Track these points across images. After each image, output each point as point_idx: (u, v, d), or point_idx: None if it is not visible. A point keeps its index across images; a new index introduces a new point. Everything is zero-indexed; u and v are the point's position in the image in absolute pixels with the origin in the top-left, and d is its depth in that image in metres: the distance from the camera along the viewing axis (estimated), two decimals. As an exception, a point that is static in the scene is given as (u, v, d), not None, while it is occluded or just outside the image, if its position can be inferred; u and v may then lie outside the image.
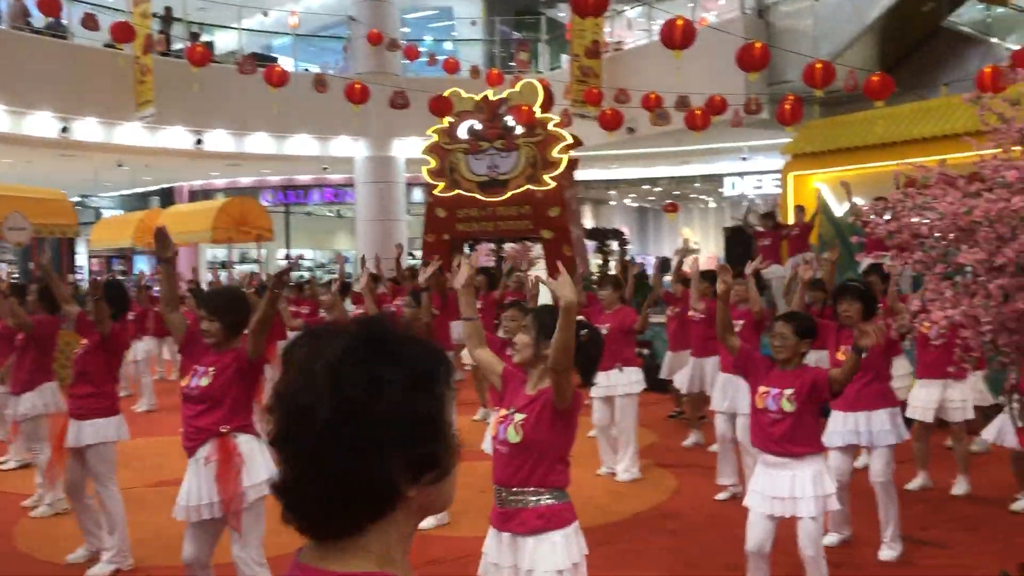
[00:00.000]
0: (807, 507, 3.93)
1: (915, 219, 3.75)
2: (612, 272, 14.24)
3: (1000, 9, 14.77)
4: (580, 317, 5.44)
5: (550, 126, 13.75)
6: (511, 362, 4.93)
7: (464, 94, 14.25)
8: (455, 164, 14.43)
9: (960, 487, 6.30)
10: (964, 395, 6.13)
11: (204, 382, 3.95)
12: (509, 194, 14.01)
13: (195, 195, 23.31)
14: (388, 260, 17.63)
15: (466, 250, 15.55)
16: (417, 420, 1.04)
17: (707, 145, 17.72)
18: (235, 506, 3.83)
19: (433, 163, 14.63)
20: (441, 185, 14.56)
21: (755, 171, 21.85)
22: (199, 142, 16.70)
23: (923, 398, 6.19)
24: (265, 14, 18.59)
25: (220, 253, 23.49)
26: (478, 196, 14.26)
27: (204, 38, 17.70)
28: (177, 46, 16.81)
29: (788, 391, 4.01)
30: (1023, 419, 3.91)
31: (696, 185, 24.21)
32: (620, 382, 6.85)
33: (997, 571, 4.10)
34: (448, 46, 21.95)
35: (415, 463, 1.04)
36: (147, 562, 5.17)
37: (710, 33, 12.39)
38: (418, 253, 21.59)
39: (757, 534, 4.08)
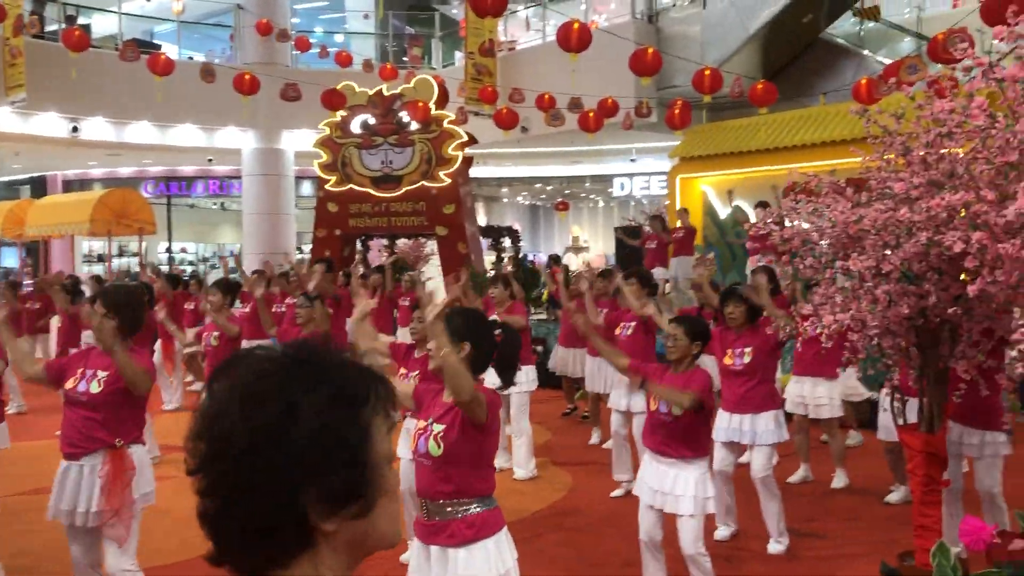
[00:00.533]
0: (686, 506, 4.08)
1: (807, 225, 3.92)
2: (506, 270, 14.35)
3: (872, 24, 15.60)
4: (493, 316, 5.47)
5: (445, 123, 13.72)
6: (414, 364, 4.89)
7: (357, 88, 14.06)
8: (348, 158, 14.24)
9: (839, 480, 6.62)
10: (832, 392, 6.44)
11: (94, 388, 3.79)
12: (403, 190, 13.92)
13: (70, 185, 22.18)
14: (276, 255, 17.27)
15: (358, 245, 15.37)
16: (334, 448, 0.98)
17: (598, 146, 18.03)
18: (122, 517, 3.76)
19: (325, 157, 14.39)
20: (333, 179, 14.34)
21: (643, 172, 22.38)
22: (75, 130, 15.90)
23: (795, 393, 6.54)
24: (148, -1, 17.86)
25: (97, 246, 22.45)
26: (371, 191, 14.12)
27: (81, 21, 16.86)
28: (51, 28, 15.95)
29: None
30: (903, 416, 4.14)
31: (586, 185, 24.61)
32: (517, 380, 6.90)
33: (878, 561, 4.33)
34: (339, 39, 21.59)
35: (331, 495, 0.98)
36: (35, 571, 4.91)
37: (602, 36, 12.60)
38: (307, 248, 21.22)
39: (645, 524, 4.24)
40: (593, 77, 13.12)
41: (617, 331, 6.55)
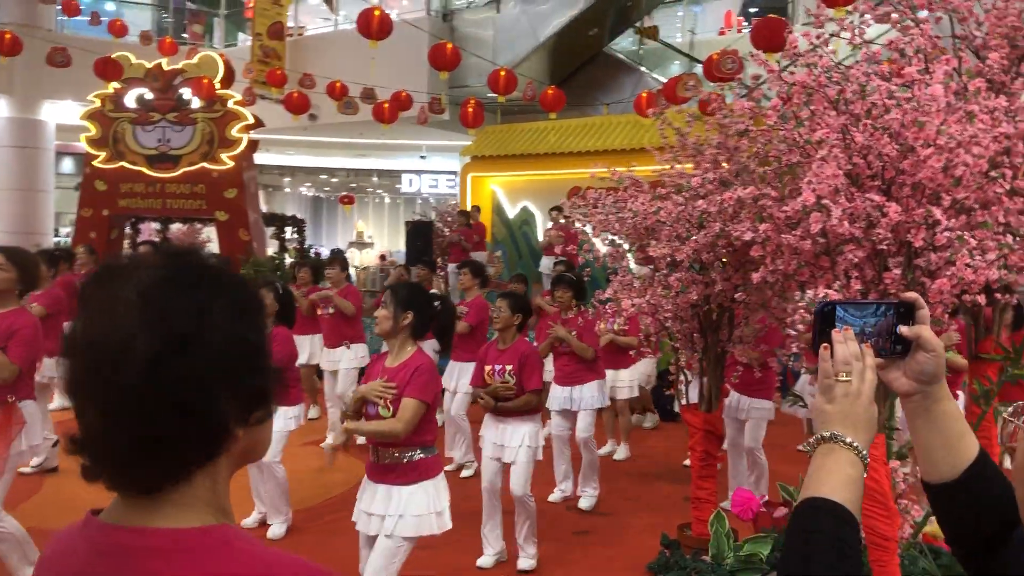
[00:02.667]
0: (521, 455, 4.64)
1: (610, 216, 4.15)
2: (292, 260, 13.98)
3: (650, 43, 16.65)
4: (433, 290, 5.85)
5: (230, 103, 13.14)
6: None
7: (134, 59, 13.16)
8: (120, 134, 13.28)
9: (620, 453, 7.25)
10: (632, 377, 7.04)
11: None
12: (181, 171, 13.17)
13: None
14: (31, 236, 15.79)
15: (127, 229, 14.37)
16: (247, 352, 0.96)
17: (388, 140, 17.99)
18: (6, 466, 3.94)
19: (94, 131, 13.34)
20: (103, 156, 13.32)
21: (433, 170, 22.55)
22: None
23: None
24: None
25: None
26: (145, 170, 13.25)
27: None
28: None
29: (508, 367, 4.59)
30: (687, 397, 4.47)
31: (374, 179, 24.45)
32: (346, 357, 7.33)
33: (659, 532, 4.65)
34: (111, 7, 20.10)
35: (246, 399, 0.96)
36: None
37: (397, 29, 12.60)
38: (66, 230, 19.57)
39: (487, 474, 4.75)
40: (387, 70, 13.07)
41: None
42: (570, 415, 5.98)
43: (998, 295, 3.41)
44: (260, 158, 15.61)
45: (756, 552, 3.98)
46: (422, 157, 21.12)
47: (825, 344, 1.11)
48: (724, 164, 3.92)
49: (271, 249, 14.68)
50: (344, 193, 24.30)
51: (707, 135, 4.24)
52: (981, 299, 3.14)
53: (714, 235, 3.69)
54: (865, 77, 3.13)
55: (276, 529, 5.24)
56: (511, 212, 13.82)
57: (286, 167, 23.09)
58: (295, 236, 15.73)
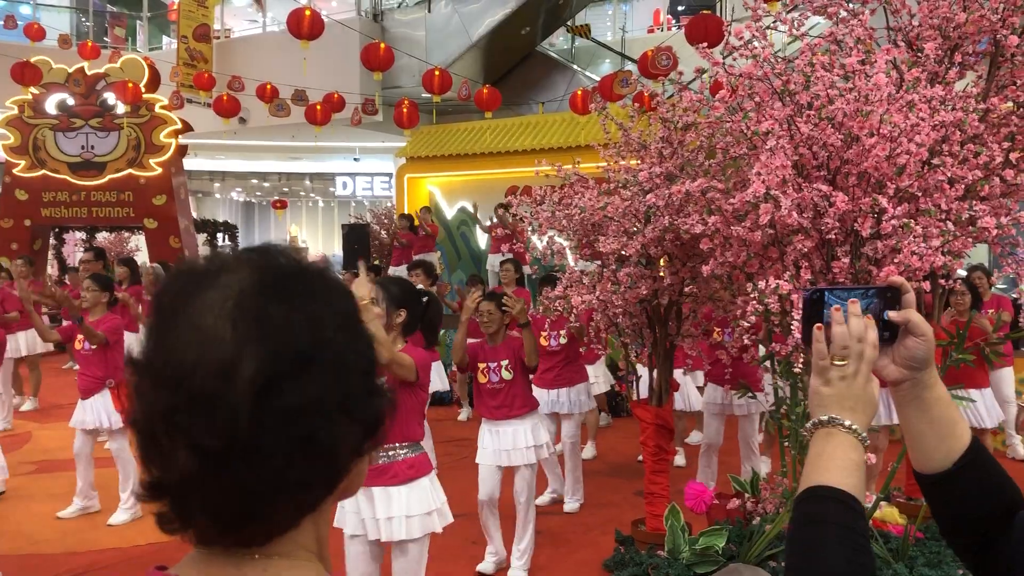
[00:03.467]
0: (529, 456, 4.52)
1: (556, 213, 4.12)
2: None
3: (582, 41, 16.74)
4: (419, 286, 5.63)
5: (157, 107, 12.82)
6: None
7: (54, 64, 12.73)
8: (42, 141, 12.87)
9: (588, 452, 7.12)
10: (597, 373, 7.02)
11: None
12: (107, 178, 12.83)
13: None
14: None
15: (51, 239, 13.89)
16: (364, 369, 0.80)
17: (321, 143, 17.72)
18: None
19: (13, 139, 12.88)
20: (23, 164, 12.88)
21: (367, 172, 22.30)
22: None
23: None
24: None
25: None
26: (69, 178, 12.85)
27: None
28: None
29: (504, 361, 4.44)
30: (636, 393, 4.47)
31: (307, 183, 24.09)
32: None
33: (613, 528, 4.64)
34: (26, 10, 19.40)
35: (364, 425, 0.80)
36: None
37: (328, 29, 12.42)
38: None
39: (487, 485, 4.58)
40: (318, 71, 12.87)
41: None
42: (555, 416, 5.87)
43: (942, 281, 3.47)
44: (189, 163, 15.26)
45: (712, 544, 3.98)
46: (356, 159, 20.87)
47: (819, 324, 1.07)
48: (667, 158, 3.91)
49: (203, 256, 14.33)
50: (276, 198, 23.90)
51: (650, 130, 4.24)
52: (926, 285, 3.19)
53: (662, 229, 3.68)
54: (809, 68, 3.15)
55: None
56: (449, 213, 13.72)
57: (216, 172, 22.61)
58: (227, 243, 15.42)
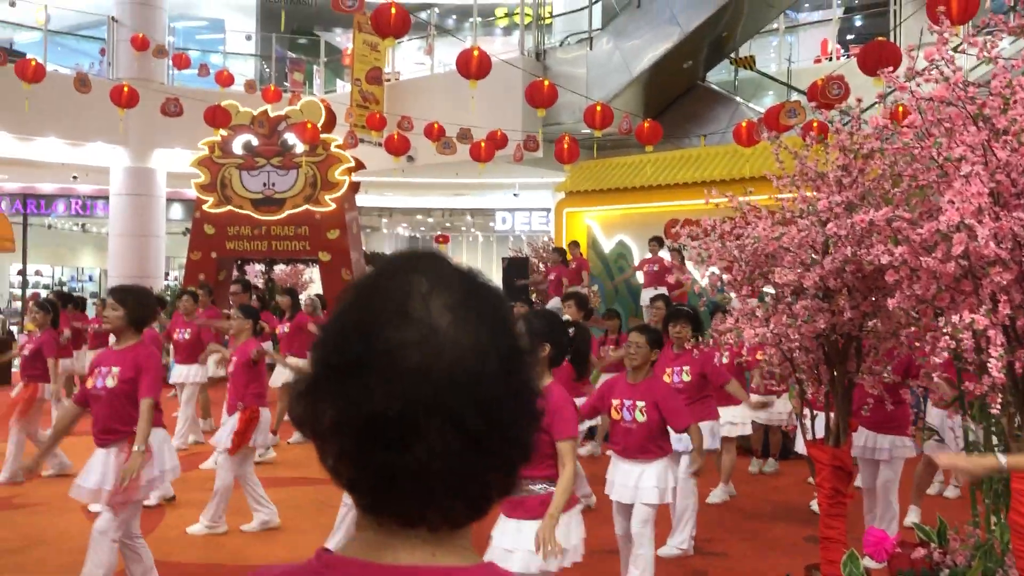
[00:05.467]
0: (646, 496, 4.41)
1: (728, 244, 4.03)
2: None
3: (745, 73, 16.45)
4: (566, 317, 5.76)
5: (332, 147, 13.53)
6: None
7: (241, 108, 13.69)
8: (228, 179, 13.81)
9: (717, 495, 6.84)
10: (743, 414, 6.75)
11: (111, 383, 4.16)
12: (286, 213, 13.60)
13: (-89, 198, 20.58)
14: (144, 280, 16.45)
15: (234, 271, 14.85)
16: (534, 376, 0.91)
17: (482, 179, 18.18)
18: (126, 494, 4.10)
19: (203, 177, 13.91)
20: (211, 200, 13.87)
21: (525, 208, 22.67)
22: (-76, 137, 14.77)
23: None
24: (12, 4, 16.88)
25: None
26: (252, 214, 13.72)
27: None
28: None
29: (640, 403, 4.38)
30: (812, 432, 4.28)
31: (468, 218, 24.72)
32: None
33: (781, 574, 4.45)
34: (216, 59, 21.01)
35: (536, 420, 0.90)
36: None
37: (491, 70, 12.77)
38: (175, 273, 20.36)
39: (620, 521, 4.57)
40: (481, 110, 13.22)
41: None
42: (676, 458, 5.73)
43: None
44: (359, 200, 15.98)
45: (895, 596, 3.75)
46: (515, 195, 21.26)
47: None
48: (847, 187, 3.76)
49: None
50: (439, 232, 24.63)
51: (826, 158, 4.10)
52: None
53: (843, 260, 3.53)
54: (1007, 89, 2.96)
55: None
56: (607, 246, 13.72)
57: (384, 208, 23.58)
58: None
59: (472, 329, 0.83)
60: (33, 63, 11.14)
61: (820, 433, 4.36)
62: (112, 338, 4.70)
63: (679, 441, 5.52)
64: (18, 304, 19.53)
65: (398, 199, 22.75)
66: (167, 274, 18.84)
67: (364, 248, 22.80)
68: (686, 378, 5.63)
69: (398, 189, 20.94)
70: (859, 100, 4.10)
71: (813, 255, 3.80)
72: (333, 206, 13.42)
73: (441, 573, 0.82)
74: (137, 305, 4.28)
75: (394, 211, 24.16)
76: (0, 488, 6.88)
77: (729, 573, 5.23)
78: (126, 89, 11.41)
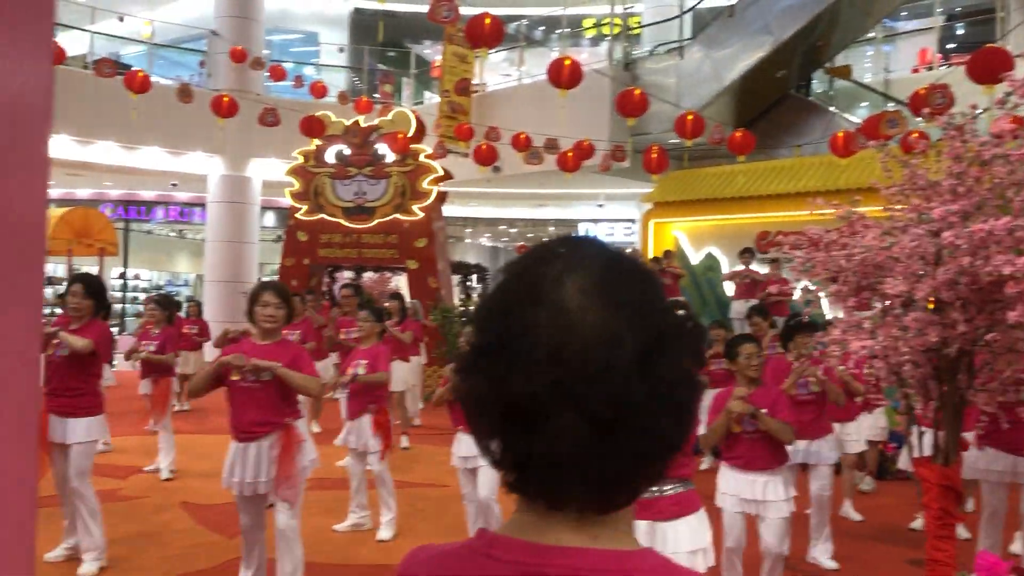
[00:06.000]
0: (777, 509, 4.36)
1: (833, 254, 3.93)
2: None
3: (841, 83, 16.07)
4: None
5: (421, 157, 13.70)
6: None
7: (334, 118, 14.00)
8: (320, 188, 14.12)
9: (848, 512, 6.73)
10: (858, 430, 6.63)
11: (267, 377, 4.29)
12: (376, 222, 13.83)
13: (23, 204, 21.58)
14: (241, 284, 16.96)
15: (325, 277, 15.17)
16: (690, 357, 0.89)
17: (567, 190, 18.17)
18: (292, 482, 4.34)
19: (297, 185, 14.25)
20: (304, 208, 14.20)
21: (609, 219, 22.56)
22: (38, 146, 15.49)
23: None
24: (121, 19, 17.65)
25: (48, 268, 21.85)
26: (343, 222, 13.99)
27: (50, 37, 16.57)
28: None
29: (763, 411, 4.32)
30: (920, 450, 4.13)
31: (551, 229, 24.72)
32: None
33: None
34: (309, 71, 21.56)
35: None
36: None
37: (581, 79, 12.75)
38: (267, 279, 20.89)
39: (734, 532, 4.49)
40: (568, 120, 13.22)
41: None
42: (795, 467, 5.61)
43: None
44: (444, 210, 16.17)
45: (1009, 623, 3.57)
46: (599, 206, 21.18)
47: None
48: (962, 195, 3.63)
49: (456, 296, 15.07)
50: (521, 243, 24.70)
51: (937, 167, 3.96)
52: None
53: (957, 271, 3.40)
54: None
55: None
56: (695, 258, 13.55)
57: (468, 218, 23.80)
58: (478, 284, 16.10)
59: (606, 313, 0.80)
60: (140, 74, 11.61)
61: (927, 451, 4.20)
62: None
63: (815, 454, 5.49)
64: (118, 307, 20.31)
65: (482, 210, 22.92)
66: (259, 279, 19.34)
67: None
68: (815, 389, 5.54)
69: (483, 200, 21.09)
70: (973, 106, 3.96)
71: (925, 266, 3.67)
72: (421, 215, 13.59)
73: (605, 557, 0.81)
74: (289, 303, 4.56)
75: (478, 221, 24.35)
76: (106, 480, 7.15)
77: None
78: (226, 100, 11.78)
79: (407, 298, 11.10)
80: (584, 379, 0.79)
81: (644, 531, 3.31)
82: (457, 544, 0.88)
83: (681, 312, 0.88)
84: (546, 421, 0.79)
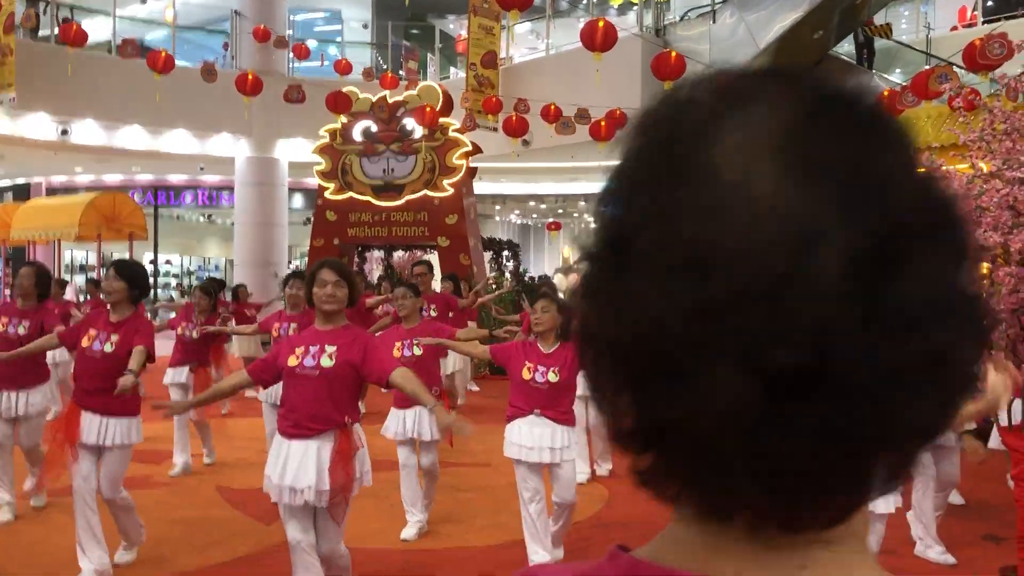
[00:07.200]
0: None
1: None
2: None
3: (883, 41, 15.55)
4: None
5: (450, 131, 13.42)
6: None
7: (360, 94, 13.74)
8: (348, 166, 13.89)
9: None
10: None
11: (326, 363, 3.71)
12: (405, 199, 13.58)
13: (55, 192, 21.59)
14: (270, 267, 16.82)
15: (355, 257, 14.97)
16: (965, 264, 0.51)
17: (599, 163, 17.81)
18: (346, 493, 3.74)
19: (324, 164, 14.03)
20: (332, 187, 13.98)
21: (641, 191, 22.16)
22: (64, 132, 15.43)
23: None
24: (143, 2, 17.49)
25: (80, 255, 21.90)
26: (372, 200, 13.76)
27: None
28: (43, 32, 15.56)
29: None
30: (1009, 419, 3.82)
31: (581, 204, 24.36)
32: None
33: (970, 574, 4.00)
34: (332, 50, 21.32)
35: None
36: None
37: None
38: (296, 261, 20.79)
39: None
40: (598, 90, 12.86)
41: None
42: None
43: None
44: (473, 188, 15.91)
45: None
46: (632, 178, 20.79)
47: None
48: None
49: (490, 274, 14.81)
50: (551, 220, 24.40)
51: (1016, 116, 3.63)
52: None
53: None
54: None
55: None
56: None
57: (497, 195, 23.49)
58: (510, 262, 15.83)
59: (797, 188, 0.47)
60: (163, 54, 11.41)
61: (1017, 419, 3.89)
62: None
63: None
64: (150, 292, 20.31)
65: (512, 186, 22.62)
66: (290, 262, 19.22)
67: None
68: None
69: (512, 175, 20.78)
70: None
71: (1015, 216, 3.35)
72: (451, 191, 13.31)
73: None
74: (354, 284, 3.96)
75: (507, 199, 24.04)
76: (137, 467, 6.98)
77: (904, 574, 4.78)
78: (251, 77, 11.56)
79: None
80: (750, 304, 0.46)
81: None
82: (582, 568, 0.57)
83: (941, 190, 0.50)
84: (688, 374, 0.48)
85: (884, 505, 3.76)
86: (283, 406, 3.83)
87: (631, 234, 0.50)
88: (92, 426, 4.42)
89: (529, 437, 4.44)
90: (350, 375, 3.74)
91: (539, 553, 4.41)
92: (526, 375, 4.54)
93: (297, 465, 3.65)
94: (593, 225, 0.55)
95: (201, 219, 23.18)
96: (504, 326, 7.97)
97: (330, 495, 3.66)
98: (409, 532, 5.27)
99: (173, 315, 7.79)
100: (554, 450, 4.43)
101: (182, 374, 7.11)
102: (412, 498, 5.32)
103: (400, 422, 5.30)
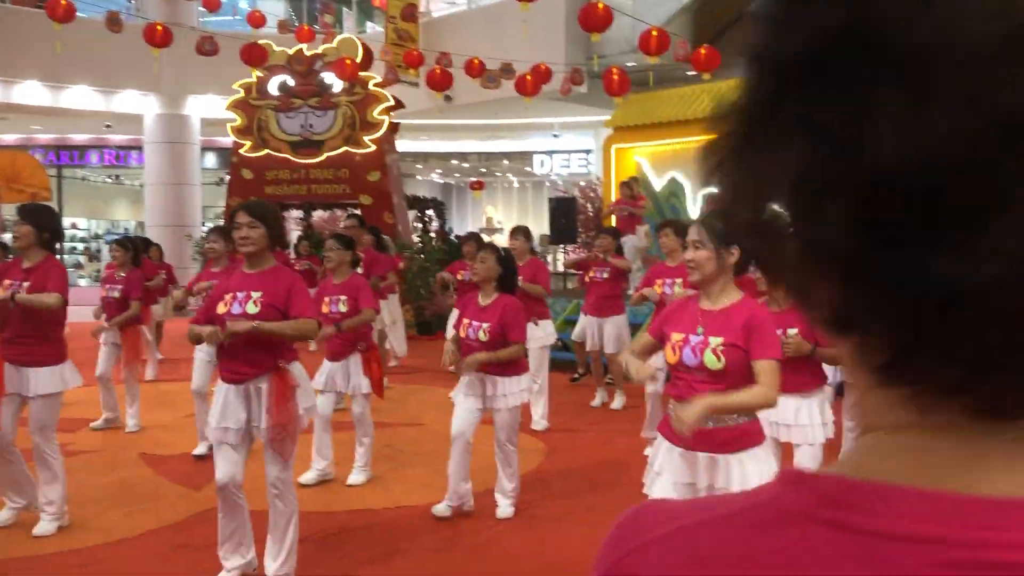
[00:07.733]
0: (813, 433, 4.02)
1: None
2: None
3: None
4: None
5: (371, 85, 13.06)
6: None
7: (276, 47, 13.23)
8: (264, 122, 13.42)
9: None
10: None
11: (251, 309, 3.72)
12: (324, 156, 13.21)
13: (-56, 152, 20.38)
14: (183, 228, 16.21)
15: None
16: None
17: (523, 120, 17.63)
18: (289, 430, 3.78)
19: (239, 120, 13.52)
20: (248, 144, 13.49)
21: (564, 150, 22.08)
22: (-45, 87, 14.48)
23: None
24: (37, -53, 16.43)
25: (-24, 218, 20.74)
26: (290, 157, 13.34)
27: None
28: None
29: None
30: None
31: (504, 163, 24.18)
32: (536, 335, 6.79)
33: None
34: (243, 3, 20.51)
35: None
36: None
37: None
38: (211, 223, 20.11)
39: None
40: (521, 45, 12.67)
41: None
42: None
43: None
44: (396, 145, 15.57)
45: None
46: (555, 136, 20.68)
47: None
48: None
49: (414, 233, 14.56)
50: (474, 179, 24.17)
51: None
52: None
53: None
54: None
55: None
56: (658, 184, 13.19)
57: (419, 153, 23.11)
58: (436, 220, 15.61)
59: None
60: (63, 2, 10.71)
61: None
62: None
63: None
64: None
65: (434, 144, 22.27)
66: (203, 223, 18.57)
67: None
68: None
69: (434, 133, 20.44)
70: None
71: None
72: (373, 147, 12.99)
73: None
74: (275, 225, 3.85)
75: (429, 156, 23.68)
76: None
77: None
78: (160, 28, 10.97)
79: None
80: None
81: (705, 464, 2.98)
82: (739, 502, 0.43)
83: None
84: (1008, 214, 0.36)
85: None
86: (220, 356, 3.88)
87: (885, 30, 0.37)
88: (12, 376, 4.37)
89: (468, 387, 4.68)
90: (277, 320, 3.74)
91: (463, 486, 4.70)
92: (462, 332, 4.65)
93: (235, 407, 3.75)
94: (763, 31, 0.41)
95: (108, 180, 22.15)
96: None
97: (272, 432, 3.72)
98: (309, 476, 5.38)
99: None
100: (487, 397, 4.63)
101: (114, 333, 6.85)
102: (319, 446, 5.44)
103: (327, 375, 5.40)
